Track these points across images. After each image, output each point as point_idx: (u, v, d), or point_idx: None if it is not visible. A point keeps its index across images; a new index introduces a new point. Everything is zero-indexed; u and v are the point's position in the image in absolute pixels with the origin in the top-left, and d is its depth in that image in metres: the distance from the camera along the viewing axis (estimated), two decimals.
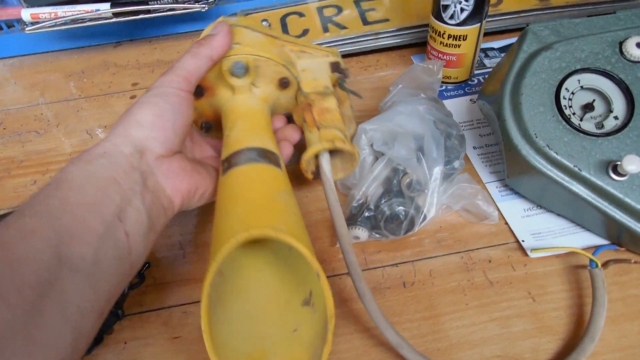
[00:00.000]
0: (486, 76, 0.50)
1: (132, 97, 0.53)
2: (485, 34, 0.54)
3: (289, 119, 0.40)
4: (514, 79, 0.37)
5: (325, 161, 0.35)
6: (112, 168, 0.28)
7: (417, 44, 0.55)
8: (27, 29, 0.52)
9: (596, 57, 0.36)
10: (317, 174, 0.36)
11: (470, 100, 0.49)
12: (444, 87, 0.51)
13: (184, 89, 0.33)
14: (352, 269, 0.31)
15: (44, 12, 0.51)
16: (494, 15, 0.55)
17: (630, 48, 0.36)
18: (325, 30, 0.56)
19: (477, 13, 0.44)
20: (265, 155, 0.33)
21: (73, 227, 0.25)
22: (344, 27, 0.56)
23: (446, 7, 0.45)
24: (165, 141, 0.31)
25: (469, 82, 0.51)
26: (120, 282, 0.27)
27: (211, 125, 0.40)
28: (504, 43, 0.55)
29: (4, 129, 0.51)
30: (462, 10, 0.44)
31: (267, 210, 0.29)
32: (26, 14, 0.52)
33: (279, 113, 0.40)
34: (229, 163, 0.33)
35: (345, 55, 0.55)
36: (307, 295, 0.31)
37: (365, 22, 0.56)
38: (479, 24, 0.46)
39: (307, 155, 0.35)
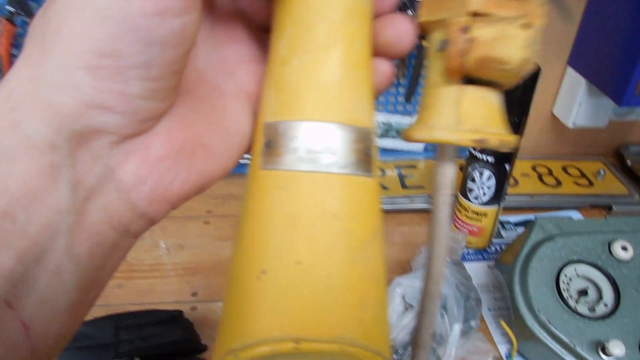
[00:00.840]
0: (503, 245, 0.60)
1: (206, 222, 0.64)
2: (504, 209, 0.64)
3: None
4: (523, 260, 0.46)
5: (450, 168, 0.20)
6: (10, 180, 0.14)
7: None
8: None
9: (589, 252, 0.46)
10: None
11: (488, 265, 0.58)
12: (466, 251, 0.60)
13: None
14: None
15: None
16: (512, 195, 0.66)
17: (617, 249, 0.45)
18: (404, 186, 0.68)
19: (496, 198, 0.55)
20: (355, 152, 0.19)
21: None
22: (386, 188, 0.68)
23: (471, 190, 0.56)
24: (135, 105, 0.16)
25: (488, 250, 0.60)
26: None
27: None
28: (519, 219, 0.65)
29: None
30: (484, 194, 0.55)
31: (341, 292, 0.17)
32: None
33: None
34: (274, 146, 0.19)
35: (384, 212, 0.65)
36: None
37: (404, 186, 0.68)
38: (497, 206, 0.56)
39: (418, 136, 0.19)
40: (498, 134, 0.18)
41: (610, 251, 0.45)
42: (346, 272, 0.18)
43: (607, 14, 0.60)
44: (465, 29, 0.18)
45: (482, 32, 0.18)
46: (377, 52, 0.20)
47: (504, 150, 0.20)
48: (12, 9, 0.57)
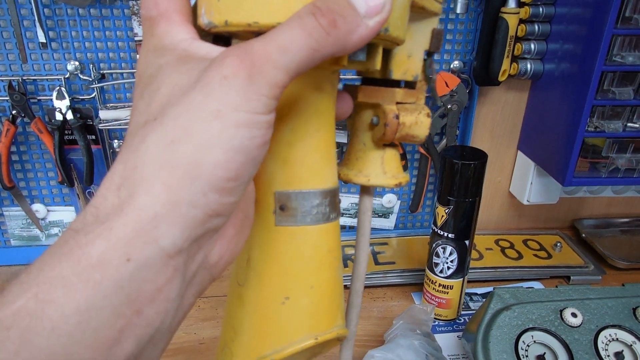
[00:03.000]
0: (470, 317, 0.64)
1: None
2: (471, 282, 0.69)
3: None
4: (484, 329, 0.50)
5: (370, 199, 0.31)
6: (135, 289, 0.18)
7: (417, 283, 0.70)
8: None
9: (544, 320, 0.50)
10: None
11: (457, 336, 0.61)
12: (436, 323, 0.63)
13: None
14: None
15: None
16: (478, 268, 0.71)
17: (567, 316, 0.49)
18: (345, 265, 0.72)
19: (460, 271, 0.60)
20: (335, 204, 0.26)
21: None
22: None
23: (437, 264, 0.60)
24: (236, 202, 0.21)
25: (457, 321, 0.64)
26: None
27: None
28: (486, 290, 0.69)
29: None
30: (448, 267, 0.60)
31: (333, 299, 0.26)
32: None
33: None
34: (287, 209, 0.25)
35: None
36: None
37: (377, 262, 0.72)
38: (462, 278, 0.61)
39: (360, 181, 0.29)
40: (404, 177, 0.29)
41: (562, 318, 0.50)
42: (337, 285, 0.27)
43: (546, 105, 0.69)
44: (397, 116, 0.27)
45: (406, 118, 0.27)
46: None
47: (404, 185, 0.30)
48: (15, 112, 0.63)
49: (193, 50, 0.22)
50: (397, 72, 0.27)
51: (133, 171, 0.19)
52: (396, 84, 0.28)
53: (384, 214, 0.80)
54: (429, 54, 0.28)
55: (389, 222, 0.81)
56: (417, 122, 0.27)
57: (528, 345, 0.48)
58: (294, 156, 0.25)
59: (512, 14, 0.63)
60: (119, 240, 0.18)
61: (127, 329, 0.18)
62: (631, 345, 0.48)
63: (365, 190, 0.30)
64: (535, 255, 0.74)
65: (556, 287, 0.53)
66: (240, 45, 0.20)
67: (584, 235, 0.79)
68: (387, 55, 0.27)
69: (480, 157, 0.55)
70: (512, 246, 0.77)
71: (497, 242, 0.78)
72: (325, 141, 0.26)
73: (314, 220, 0.25)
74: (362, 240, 0.31)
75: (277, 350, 0.24)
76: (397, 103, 0.27)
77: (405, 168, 0.76)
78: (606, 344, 0.48)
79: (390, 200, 0.79)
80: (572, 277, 0.70)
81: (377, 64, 0.24)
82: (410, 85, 0.28)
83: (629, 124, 0.62)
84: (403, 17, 0.24)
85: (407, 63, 0.27)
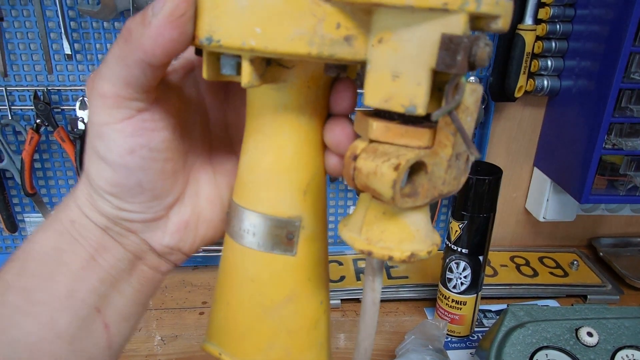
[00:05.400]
0: (484, 334, 0.63)
1: (201, 313, 0.67)
2: (485, 298, 0.68)
3: None
4: (497, 346, 0.49)
5: (375, 279, 0.23)
6: (88, 243, 0.24)
7: (430, 299, 0.70)
8: None
9: (558, 338, 0.49)
10: None
11: (470, 353, 0.60)
12: (449, 339, 0.63)
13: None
14: None
15: None
16: (492, 285, 0.70)
17: (583, 335, 0.48)
18: (358, 278, 0.72)
19: (473, 287, 0.59)
20: (279, 238, 0.24)
21: (36, 337, 0.23)
22: None
23: (450, 279, 0.60)
24: (145, 207, 0.25)
25: (470, 338, 0.63)
26: None
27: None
28: (500, 307, 0.69)
29: None
30: (462, 283, 0.59)
31: (252, 333, 0.25)
32: None
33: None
34: (230, 221, 0.25)
35: None
36: None
37: (390, 276, 0.72)
38: (475, 294, 0.60)
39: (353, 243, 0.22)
40: (385, 248, 0.20)
41: (577, 337, 0.49)
42: (256, 321, 0.25)
43: (562, 122, 0.68)
44: (355, 158, 0.20)
45: (363, 164, 0.20)
46: (327, 147, 0.24)
47: (389, 261, 0.21)
48: (39, 121, 0.65)
49: None
50: (372, 98, 0.20)
51: None
52: (387, 114, 0.20)
53: None
54: (436, 74, 0.18)
55: None
56: (377, 172, 0.19)
57: None
58: (239, 167, 0.25)
59: (528, 31, 0.63)
60: (68, 209, 0.25)
61: (88, 268, 0.24)
62: None
63: (367, 259, 0.23)
64: (551, 273, 0.73)
65: (572, 305, 0.52)
66: None
67: (601, 254, 0.78)
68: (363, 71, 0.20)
69: (495, 173, 0.55)
70: (527, 263, 0.76)
71: (512, 259, 0.77)
72: (270, 165, 0.23)
73: (237, 237, 0.25)
74: (363, 314, 0.24)
75: (205, 341, 0.27)
76: (372, 141, 0.20)
77: (333, 180, 0.65)
78: None
79: None
80: (589, 297, 0.69)
81: (244, 79, 0.20)
82: (419, 121, 0.20)
83: None
84: (272, 18, 0.18)
85: (391, 86, 0.19)
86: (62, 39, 0.63)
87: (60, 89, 0.66)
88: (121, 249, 0.25)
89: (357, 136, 0.22)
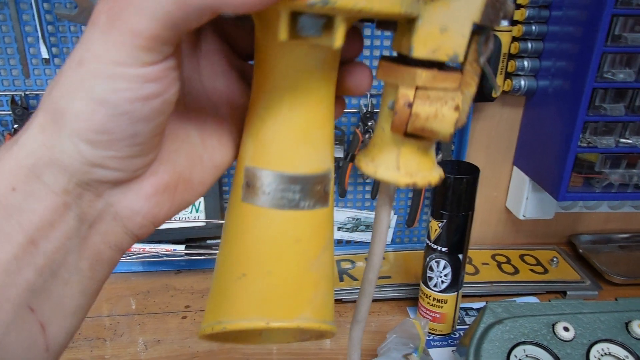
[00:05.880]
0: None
1: (183, 317, 0.67)
2: (466, 296, 0.69)
3: None
4: (476, 343, 0.50)
5: (386, 209, 0.28)
6: (29, 220, 0.19)
7: (413, 298, 0.70)
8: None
9: (536, 334, 0.50)
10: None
11: (452, 351, 0.61)
12: (431, 337, 0.63)
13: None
14: None
15: (135, 246, 0.70)
16: (473, 283, 0.71)
17: (559, 330, 0.49)
18: (341, 279, 0.72)
19: (454, 285, 0.60)
20: (312, 193, 0.24)
21: None
22: (355, 279, 0.72)
23: (431, 278, 0.61)
24: (125, 163, 0.21)
25: (452, 335, 0.64)
26: None
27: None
28: (481, 305, 0.69)
29: (79, 334, 0.64)
30: (442, 282, 0.60)
31: (298, 290, 0.25)
32: None
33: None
34: (252, 187, 0.24)
35: (352, 302, 0.69)
36: None
37: None
38: (456, 293, 0.61)
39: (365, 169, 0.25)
40: (425, 177, 0.25)
41: (554, 332, 0.50)
42: (302, 277, 0.25)
43: (540, 121, 0.70)
44: (410, 105, 0.22)
45: (422, 109, 0.22)
46: (338, 92, 0.24)
47: (429, 187, 0.25)
48: (17, 127, 0.64)
49: None
50: (421, 49, 0.22)
51: (34, 114, 0.20)
52: (425, 63, 0.22)
53: None
54: (480, 29, 0.22)
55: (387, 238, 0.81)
56: (438, 115, 0.22)
57: (519, 359, 0.48)
58: (264, 133, 0.24)
59: (505, 32, 0.64)
60: (4, 171, 0.19)
61: (24, 257, 0.19)
62: (624, 359, 0.48)
63: (382, 188, 0.28)
64: (532, 270, 0.74)
65: (549, 301, 0.53)
66: None
67: (581, 250, 0.79)
68: (411, 26, 0.22)
69: (472, 172, 0.56)
70: (508, 261, 0.77)
71: (493, 257, 0.78)
72: (305, 122, 0.23)
73: (278, 204, 0.24)
74: (378, 237, 0.29)
75: (230, 321, 0.24)
76: (419, 88, 0.23)
77: None
78: (598, 359, 0.48)
79: None
80: (568, 292, 0.70)
81: (336, 41, 0.20)
82: (446, 67, 0.23)
83: (621, 140, 0.63)
84: None
85: (440, 39, 0.22)
86: (39, 43, 0.62)
87: (38, 94, 0.66)
88: (75, 221, 0.20)
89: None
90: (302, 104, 0.23)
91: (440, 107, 0.22)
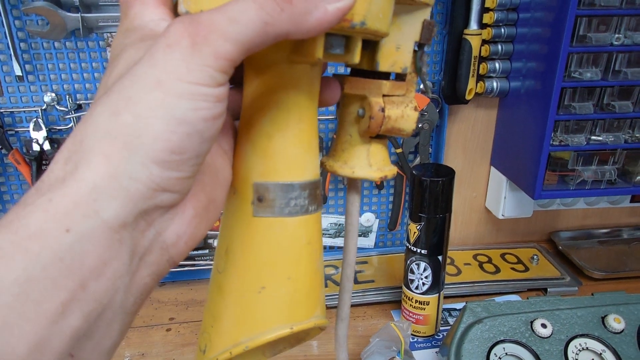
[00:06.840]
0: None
1: (168, 329, 0.67)
2: (449, 297, 0.69)
3: None
4: (457, 343, 0.50)
5: (356, 205, 0.32)
6: (80, 263, 0.18)
7: (396, 301, 0.71)
8: None
9: (515, 332, 0.50)
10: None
11: (436, 352, 0.61)
12: (415, 339, 0.64)
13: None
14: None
15: None
16: (456, 283, 0.72)
17: (537, 327, 0.50)
18: (325, 285, 0.72)
19: (435, 287, 0.61)
20: (315, 197, 0.26)
21: None
22: (339, 284, 0.72)
23: (412, 280, 0.61)
24: (186, 184, 0.21)
25: (436, 337, 0.64)
26: None
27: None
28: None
29: None
30: (423, 284, 0.61)
31: (311, 290, 0.26)
32: None
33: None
34: (265, 200, 0.25)
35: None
36: None
37: (357, 281, 0.73)
38: (437, 294, 0.61)
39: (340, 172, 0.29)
40: (391, 170, 0.29)
41: (532, 329, 0.50)
42: (314, 277, 0.27)
43: (513, 121, 0.71)
44: (383, 109, 0.27)
45: (393, 112, 0.27)
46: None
47: (392, 177, 0.29)
48: None
49: (157, 29, 0.22)
50: (385, 64, 0.27)
51: (80, 144, 0.19)
52: (385, 75, 0.27)
53: (364, 232, 0.81)
54: (420, 45, 0.28)
55: (369, 241, 0.82)
56: (404, 115, 0.27)
57: (500, 358, 0.49)
58: (273, 148, 0.25)
59: (474, 35, 0.65)
60: (58, 212, 0.18)
61: (72, 303, 0.18)
62: (601, 353, 0.49)
63: (352, 185, 0.31)
64: (513, 269, 0.75)
65: (527, 299, 0.54)
66: (190, 15, 0.19)
67: (560, 247, 0.81)
68: (374, 46, 0.26)
69: (448, 174, 0.57)
70: (489, 261, 0.78)
71: (475, 257, 0.79)
72: (306, 133, 0.26)
73: (292, 212, 0.25)
74: (350, 229, 0.31)
75: (252, 337, 0.25)
76: (384, 95, 0.27)
77: (380, 187, 0.78)
78: (576, 354, 0.49)
79: (368, 219, 0.80)
80: (548, 289, 0.71)
81: (356, 57, 0.24)
82: (399, 77, 0.28)
83: (592, 137, 0.64)
84: (385, 9, 0.24)
85: (395, 55, 0.27)
86: (12, 60, 0.62)
87: (12, 111, 0.65)
88: (128, 256, 0.19)
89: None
90: (307, 116, 0.26)
91: (404, 109, 0.28)
